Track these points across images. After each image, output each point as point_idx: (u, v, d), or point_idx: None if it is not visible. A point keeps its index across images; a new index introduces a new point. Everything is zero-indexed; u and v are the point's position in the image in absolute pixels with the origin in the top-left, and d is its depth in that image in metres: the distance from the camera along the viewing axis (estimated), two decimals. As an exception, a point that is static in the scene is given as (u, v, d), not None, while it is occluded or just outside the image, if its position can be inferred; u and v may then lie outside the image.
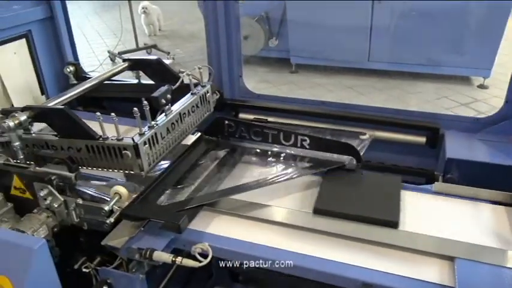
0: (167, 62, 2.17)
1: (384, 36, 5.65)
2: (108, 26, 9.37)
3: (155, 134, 1.66)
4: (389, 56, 5.79)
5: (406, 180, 1.84)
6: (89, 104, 2.43)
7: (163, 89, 1.75)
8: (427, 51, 5.53)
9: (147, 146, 1.61)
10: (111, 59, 7.13)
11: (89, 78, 2.49)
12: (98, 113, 1.58)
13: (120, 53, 7.92)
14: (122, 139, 1.58)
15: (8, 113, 1.76)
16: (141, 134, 1.60)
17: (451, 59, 5.49)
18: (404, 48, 5.61)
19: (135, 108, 1.59)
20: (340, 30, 5.73)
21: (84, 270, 1.71)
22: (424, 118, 2.05)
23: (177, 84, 1.86)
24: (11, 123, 1.59)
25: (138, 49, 7.35)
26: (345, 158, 1.79)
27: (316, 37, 5.99)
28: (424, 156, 2.09)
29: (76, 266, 1.71)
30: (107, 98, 2.46)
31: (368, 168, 1.91)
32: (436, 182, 1.72)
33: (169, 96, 1.76)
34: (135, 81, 2.34)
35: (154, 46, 7.36)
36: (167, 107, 1.76)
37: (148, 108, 1.63)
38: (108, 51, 7.98)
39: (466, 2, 5.08)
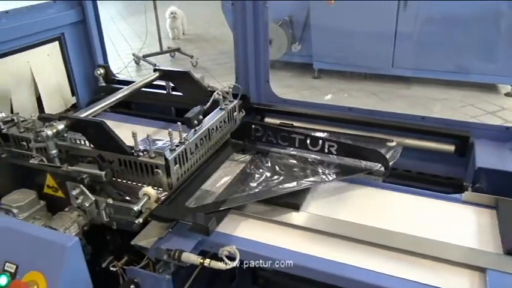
0: (197, 76, 2.21)
1: (408, 42, 5.59)
2: (133, 29, 9.54)
3: (185, 150, 1.70)
4: (414, 63, 5.72)
5: (433, 188, 1.82)
6: (117, 105, 2.48)
7: (196, 109, 1.80)
8: (452, 58, 5.44)
9: (177, 166, 1.67)
10: (136, 62, 7.31)
11: (118, 80, 2.56)
12: (134, 131, 1.63)
13: (144, 56, 8.07)
14: (155, 157, 1.62)
15: (45, 119, 1.83)
16: (172, 150, 1.65)
17: (477, 66, 5.39)
18: (429, 55, 5.53)
19: (170, 129, 1.67)
20: (364, 36, 5.69)
21: (111, 269, 1.74)
22: (453, 126, 2.02)
23: (208, 104, 1.92)
24: (49, 132, 1.65)
25: (162, 52, 7.48)
26: (372, 165, 1.78)
27: (339, 42, 5.97)
28: (452, 164, 2.06)
29: (104, 265, 1.74)
30: (135, 102, 2.51)
31: (394, 176, 1.90)
32: (466, 192, 1.69)
33: (201, 117, 1.81)
34: (164, 91, 2.38)
35: (178, 49, 7.48)
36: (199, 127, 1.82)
37: (181, 129, 1.70)
38: (133, 54, 8.13)
39: (494, 7, 4.99)
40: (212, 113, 1.94)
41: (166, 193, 1.67)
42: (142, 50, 7.29)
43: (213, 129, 1.89)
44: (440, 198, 1.69)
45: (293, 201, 1.64)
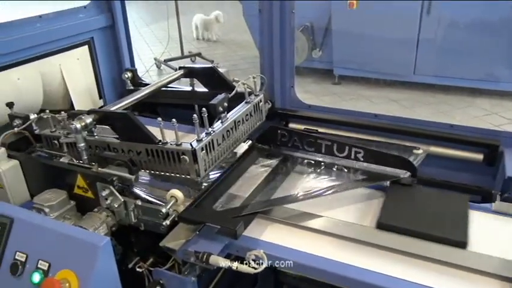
0: (222, 70, 2.22)
1: (431, 48, 5.53)
2: (154, 34, 9.68)
3: (212, 140, 1.71)
4: (436, 70, 5.65)
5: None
6: (143, 109, 2.52)
7: (220, 97, 1.80)
8: (477, 65, 5.35)
9: (204, 152, 1.66)
10: (157, 66, 7.41)
11: (144, 83, 2.60)
12: (159, 119, 1.65)
13: (165, 60, 8.15)
14: (181, 144, 1.64)
15: (74, 115, 1.87)
16: (199, 140, 1.65)
17: (502, 74, 5.29)
18: (453, 61, 5.46)
19: (195, 115, 1.64)
20: (385, 42, 5.66)
21: (137, 269, 1.76)
22: (482, 134, 1.99)
23: (233, 92, 1.91)
24: (78, 125, 1.68)
25: (183, 57, 7.56)
26: (399, 172, 1.76)
27: (360, 48, 5.94)
28: (480, 173, 2.03)
29: (130, 265, 1.77)
30: (161, 104, 2.54)
31: (420, 184, 1.88)
32: (496, 201, 1.67)
33: (226, 104, 1.81)
34: (189, 88, 2.41)
35: (199, 54, 7.55)
36: (223, 114, 1.81)
37: (206, 115, 1.69)
38: (155, 59, 8.27)
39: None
40: (238, 106, 1.94)
41: (193, 197, 1.68)
42: (163, 54, 7.39)
43: (239, 121, 1.89)
44: (470, 208, 1.66)
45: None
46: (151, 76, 6.97)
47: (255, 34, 6.70)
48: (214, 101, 1.77)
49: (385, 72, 5.98)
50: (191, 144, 1.63)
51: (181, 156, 1.64)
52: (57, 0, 2.42)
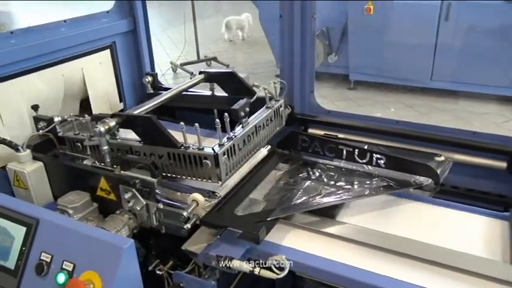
0: (242, 75, 2.23)
1: (449, 54, 5.48)
2: (171, 39, 9.77)
3: (233, 145, 1.72)
4: (454, 76, 5.60)
5: (482, 206, 1.77)
6: (161, 113, 2.54)
7: (242, 102, 1.81)
8: (496, 71, 5.29)
9: (225, 156, 1.67)
10: (173, 70, 7.47)
11: (164, 87, 2.62)
12: (182, 123, 1.66)
13: (181, 64, 8.20)
14: (203, 148, 1.65)
15: (97, 119, 1.90)
16: (221, 145, 1.66)
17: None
18: (471, 67, 5.40)
19: (217, 120, 1.65)
20: (402, 47, 5.64)
21: (157, 272, 1.77)
22: (505, 142, 1.96)
23: (254, 97, 1.92)
24: (102, 129, 1.71)
25: (198, 61, 7.61)
26: (422, 180, 1.75)
27: (376, 53, 5.93)
28: (503, 181, 1.99)
29: (150, 268, 1.78)
30: (179, 108, 2.56)
31: (441, 192, 1.86)
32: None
33: (247, 109, 1.82)
34: (209, 92, 2.42)
35: (215, 59, 7.60)
36: (245, 119, 1.82)
37: (228, 120, 1.69)
38: (171, 63, 8.35)
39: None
40: (258, 111, 1.95)
41: (213, 201, 1.69)
42: (179, 58, 7.45)
43: (259, 126, 1.90)
44: (493, 217, 1.64)
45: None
46: (166, 80, 7.03)
47: (270, 37, 6.73)
48: (236, 106, 1.77)
49: (402, 78, 5.94)
50: (213, 149, 1.64)
51: (204, 161, 1.65)
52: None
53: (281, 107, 2.06)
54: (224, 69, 2.32)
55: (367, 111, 5.59)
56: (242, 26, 9.58)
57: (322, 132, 2.25)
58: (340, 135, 2.21)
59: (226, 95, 2.32)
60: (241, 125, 1.80)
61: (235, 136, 1.73)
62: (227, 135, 1.72)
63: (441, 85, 5.80)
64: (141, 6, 2.58)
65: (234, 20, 9.55)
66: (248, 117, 1.85)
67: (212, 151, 1.64)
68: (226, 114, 1.69)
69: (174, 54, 7.83)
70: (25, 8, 6.12)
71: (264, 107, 1.98)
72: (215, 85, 2.38)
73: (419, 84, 5.93)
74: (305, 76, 2.28)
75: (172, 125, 2.39)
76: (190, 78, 2.33)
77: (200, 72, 2.32)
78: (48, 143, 2.00)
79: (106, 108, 2.62)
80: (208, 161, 1.64)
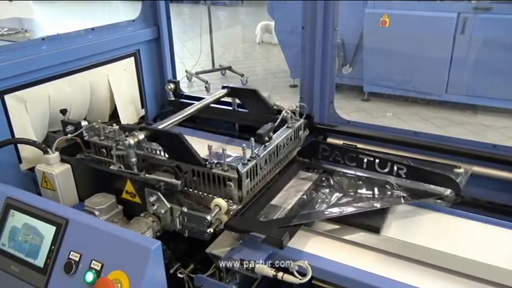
0: (264, 94, 2.28)
1: (464, 68, 5.48)
2: (187, 49, 9.91)
3: (255, 164, 1.76)
4: (469, 89, 5.59)
5: (503, 218, 1.77)
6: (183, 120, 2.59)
7: (267, 127, 1.86)
8: (511, 86, 5.28)
9: (248, 180, 1.72)
10: (188, 78, 7.57)
11: (185, 95, 2.68)
12: (209, 144, 1.72)
13: (197, 73, 8.33)
14: (227, 170, 1.69)
15: (125, 129, 1.95)
16: (244, 164, 1.71)
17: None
18: (487, 81, 5.39)
19: (244, 145, 1.71)
20: (417, 59, 5.65)
21: (178, 275, 1.80)
22: (526, 155, 1.97)
23: (277, 122, 1.97)
24: (132, 141, 1.75)
25: (213, 70, 7.70)
26: (442, 190, 1.76)
27: (391, 66, 5.95)
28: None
29: (171, 271, 1.81)
30: (201, 118, 2.60)
31: (462, 204, 1.86)
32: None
33: (271, 134, 1.88)
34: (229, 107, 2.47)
35: (229, 68, 7.68)
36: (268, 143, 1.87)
37: (253, 143, 1.75)
38: (186, 71, 8.46)
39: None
40: (280, 131, 2.00)
41: (235, 206, 1.72)
42: (194, 67, 7.56)
43: (280, 145, 1.95)
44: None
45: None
46: (182, 88, 7.13)
47: (286, 49, 6.80)
48: (261, 131, 1.82)
49: (417, 90, 5.94)
50: (237, 169, 1.68)
51: (227, 183, 1.70)
52: None
53: (300, 129, 2.11)
54: (247, 87, 2.39)
55: (381, 123, 5.60)
56: (271, 30, 9.92)
57: (341, 142, 2.27)
58: (359, 145, 2.24)
59: (247, 110, 2.37)
60: (264, 145, 1.84)
61: (259, 156, 1.77)
62: (250, 155, 1.76)
63: (457, 98, 5.79)
64: (165, 16, 2.65)
65: (265, 25, 10.10)
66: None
67: (236, 174, 1.67)
68: (252, 139, 1.76)
69: (189, 63, 7.94)
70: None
71: (285, 126, 2.03)
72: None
73: (435, 97, 5.93)
74: (325, 86, 2.32)
75: (195, 132, 2.45)
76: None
77: (223, 87, 2.37)
78: (75, 147, 2.05)
79: (132, 114, 2.68)
80: (231, 183, 1.69)
